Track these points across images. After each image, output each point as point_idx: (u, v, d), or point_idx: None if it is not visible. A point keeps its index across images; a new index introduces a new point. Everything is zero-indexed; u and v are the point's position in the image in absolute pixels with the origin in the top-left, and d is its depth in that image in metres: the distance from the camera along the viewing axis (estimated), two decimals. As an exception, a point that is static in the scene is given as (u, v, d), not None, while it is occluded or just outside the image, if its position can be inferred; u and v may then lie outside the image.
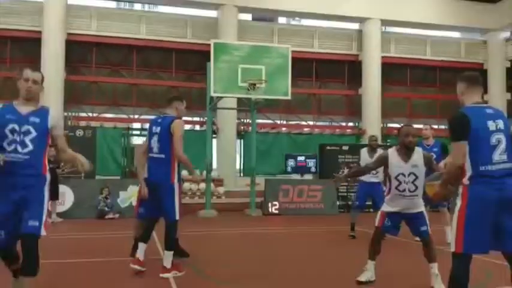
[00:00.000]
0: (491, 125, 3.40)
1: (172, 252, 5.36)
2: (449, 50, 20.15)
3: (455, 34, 21.28)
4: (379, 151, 8.07)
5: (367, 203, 8.83)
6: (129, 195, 12.16)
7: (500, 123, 3.42)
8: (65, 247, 7.59)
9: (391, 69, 19.34)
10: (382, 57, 18.77)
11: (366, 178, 8.13)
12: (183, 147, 5.35)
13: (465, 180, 3.35)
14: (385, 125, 19.34)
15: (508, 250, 3.37)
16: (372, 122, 18.43)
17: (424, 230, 4.94)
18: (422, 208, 5.01)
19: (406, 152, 4.96)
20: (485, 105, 3.55)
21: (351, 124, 19.93)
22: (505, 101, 20.00)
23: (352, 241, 8.25)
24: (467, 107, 3.51)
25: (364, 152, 8.63)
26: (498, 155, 3.37)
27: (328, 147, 15.06)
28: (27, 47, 16.55)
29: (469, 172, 3.34)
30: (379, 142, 14.97)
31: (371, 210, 9.68)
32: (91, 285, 5.21)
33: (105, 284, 5.22)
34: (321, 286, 5.16)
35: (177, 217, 5.31)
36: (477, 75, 3.64)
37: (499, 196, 3.28)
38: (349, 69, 19.35)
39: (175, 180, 5.35)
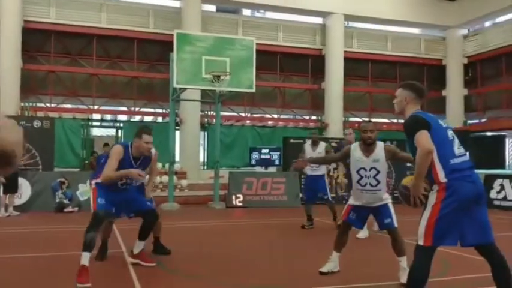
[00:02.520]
0: (442, 122, 3.56)
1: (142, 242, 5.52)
2: (409, 46, 20.62)
3: (416, 30, 21.77)
4: (322, 144, 8.73)
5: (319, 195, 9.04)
6: (88, 188, 11.85)
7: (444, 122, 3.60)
8: (22, 241, 7.34)
9: (353, 64, 19.61)
10: (345, 51, 19.00)
11: (310, 171, 8.51)
12: None
13: (442, 179, 3.34)
14: (346, 119, 19.62)
15: (477, 242, 3.41)
16: (334, 115, 18.66)
17: (388, 223, 4.95)
18: (387, 201, 5.04)
19: (365, 147, 5.02)
20: None
21: (314, 118, 20.11)
22: (462, 97, 20.69)
23: (318, 232, 8.35)
24: (416, 112, 3.61)
25: (307, 145, 9.01)
26: (457, 149, 3.47)
27: (291, 140, 15.17)
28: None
29: (442, 171, 3.35)
30: (342, 135, 15.24)
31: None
32: (52, 278, 5.05)
33: (67, 277, 5.06)
34: (284, 277, 5.18)
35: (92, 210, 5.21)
36: (425, 89, 3.79)
37: (474, 189, 3.37)
38: (312, 63, 19.49)
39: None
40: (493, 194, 13.53)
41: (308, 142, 9.16)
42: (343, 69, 18.84)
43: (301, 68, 19.62)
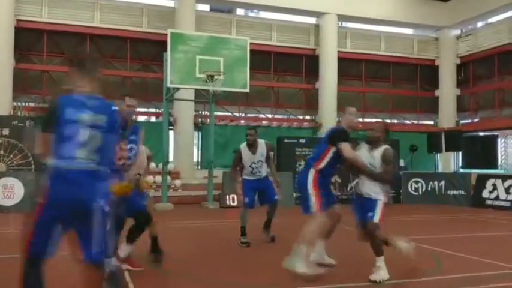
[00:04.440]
0: None
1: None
2: (402, 46, 20.70)
3: (409, 31, 21.87)
4: (260, 143, 7.29)
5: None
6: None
7: None
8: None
9: (347, 64, 19.67)
10: (338, 51, 19.04)
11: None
12: None
13: None
14: (340, 119, 19.64)
15: None
16: (328, 115, 18.69)
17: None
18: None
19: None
20: None
21: (308, 117, 20.15)
22: (454, 97, 20.81)
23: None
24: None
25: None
26: None
27: (285, 140, 15.16)
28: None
29: None
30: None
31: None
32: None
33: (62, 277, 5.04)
34: (279, 276, 5.18)
35: None
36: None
37: None
38: (306, 63, 19.52)
39: None
40: (485, 194, 13.61)
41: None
42: (337, 69, 18.88)
43: (295, 67, 19.65)
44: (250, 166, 7.18)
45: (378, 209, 4.98)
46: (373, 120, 20.53)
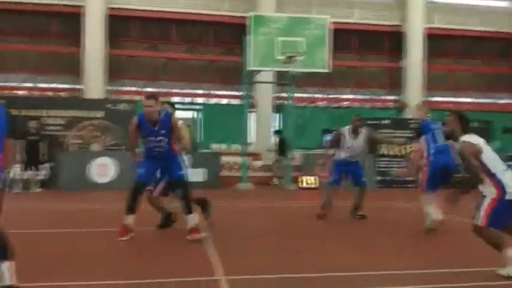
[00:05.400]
0: None
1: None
2: (496, 21, 19.13)
3: (504, 3, 20.11)
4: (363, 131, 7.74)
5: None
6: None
7: None
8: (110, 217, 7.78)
9: (435, 41, 18.61)
10: (426, 28, 18.08)
11: None
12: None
13: None
14: (427, 99, 18.78)
15: None
16: (414, 95, 17.89)
17: None
18: None
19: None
20: None
21: (391, 98, 19.46)
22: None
23: (382, 217, 8.15)
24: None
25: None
26: None
27: (368, 121, 14.76)
28: (69, 22, 16.91)
29: None
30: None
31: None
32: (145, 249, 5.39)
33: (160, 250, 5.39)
34: (344, 263, 5.13)
35: None
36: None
37: None
38: (390, 41, 18.78)
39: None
40: None
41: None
42: (424, 46, 17.96)
43: (378, 45, 19.01)
44: (348, 148, 7.48)
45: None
46: (466, 100, 19.40)
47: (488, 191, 4.16)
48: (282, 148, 13.99)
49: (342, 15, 17.80)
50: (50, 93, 16.72)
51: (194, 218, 5.71)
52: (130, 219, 5.64)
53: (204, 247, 5.31)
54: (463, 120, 4.52)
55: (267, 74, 15.06)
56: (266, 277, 4.17)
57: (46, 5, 16.31)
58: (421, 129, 6.59)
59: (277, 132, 15.33)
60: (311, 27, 12.96)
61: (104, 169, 12.15)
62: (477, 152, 4.21)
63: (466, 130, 4.45)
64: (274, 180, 14.30)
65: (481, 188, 4.23)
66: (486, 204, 4.13)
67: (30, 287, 3.71)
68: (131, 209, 5.64)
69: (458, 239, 6.01)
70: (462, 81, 19.37)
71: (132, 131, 5.82)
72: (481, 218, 4.13)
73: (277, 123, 18.08)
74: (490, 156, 4.24)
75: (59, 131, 13.17)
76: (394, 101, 19.17)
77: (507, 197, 4.08)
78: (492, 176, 4.15)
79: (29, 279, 3.68)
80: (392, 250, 5.48)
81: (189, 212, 5.68)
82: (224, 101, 18.27)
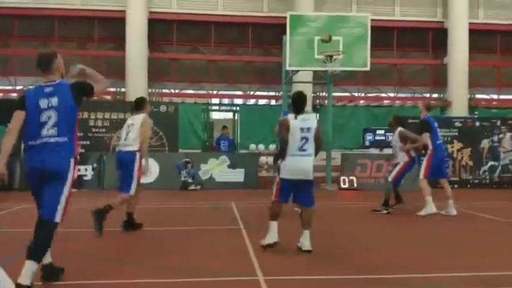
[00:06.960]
0: None
1: None
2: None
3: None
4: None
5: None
6: (209, 168, 12.68)
7: None
8: (155, 216, 7.98)
9: (479, 36, 18.04)
10: (470, 23, 17.54)
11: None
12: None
13: None
14: (472, 96, 18.23)
15: None
16: (458, 93, 17.41)
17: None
18: None
19: None
20: None
21: (435, 95, 18.99)
22: None
23: (433, 218, 7.96)
24: None
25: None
26: None
27: (410, 120, 14.44)
28: (113, 26, 17.42)
29: None
30: (467, 114, 14.14)
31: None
32: (184, 248, 5.52)
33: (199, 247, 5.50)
34: (374, 265, 5.07)
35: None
36: None
37: None
38: (433, 37, 18.34)
39: None
40: None
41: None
42: (468, 42, 17.44)
43: (420, 42, 18.59)
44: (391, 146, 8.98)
45: None
46: (510, 97, 18.71)
47: None
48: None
49: (383, 12, 17.54)
50: (95, 97, 17.24)
51: None
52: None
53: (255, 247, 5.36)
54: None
55: (306, 74, 15.01)
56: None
57: (90, 10, 16.86)
58: (426, 126, 8.19)
59: None
60: (351, 25, 12.79)
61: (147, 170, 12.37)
62: None
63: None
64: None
65: None
66: None
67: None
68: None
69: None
70: (508, 77, 18.67)
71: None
72: None
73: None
74: None
75: (104, 133, 13.58)
76: (437, 99, 18.69)
77: None
78: None
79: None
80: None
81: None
82: (263, 102, 18.35)
